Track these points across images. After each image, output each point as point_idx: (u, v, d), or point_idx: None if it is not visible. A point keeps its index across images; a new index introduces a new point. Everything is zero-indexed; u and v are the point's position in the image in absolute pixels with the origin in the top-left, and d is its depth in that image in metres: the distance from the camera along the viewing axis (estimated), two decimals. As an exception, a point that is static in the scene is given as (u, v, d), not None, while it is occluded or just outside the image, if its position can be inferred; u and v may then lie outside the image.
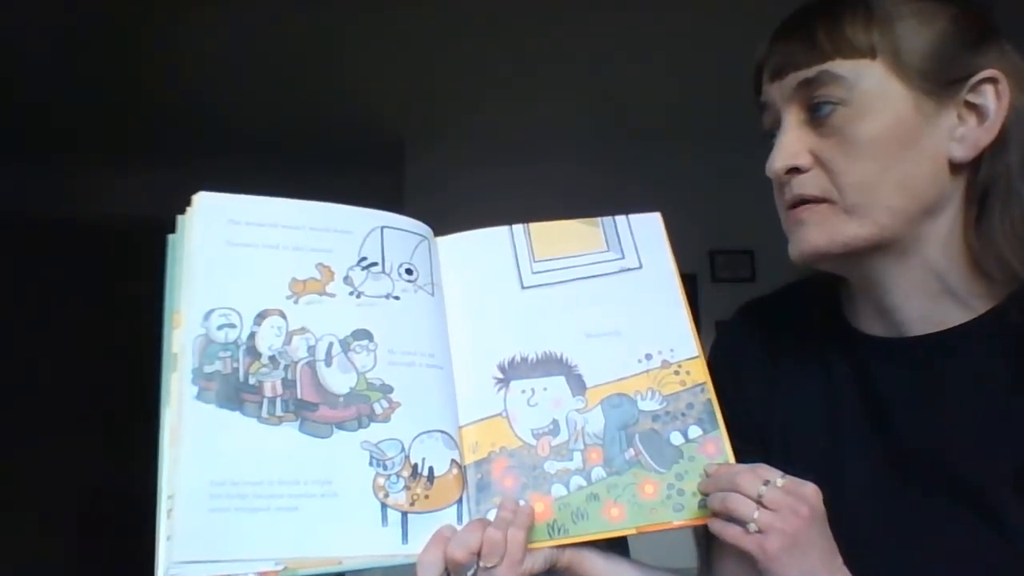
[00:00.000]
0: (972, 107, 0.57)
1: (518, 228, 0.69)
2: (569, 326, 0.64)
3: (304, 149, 2.66)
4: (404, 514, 0.53)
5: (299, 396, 0.55)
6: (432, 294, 0.63)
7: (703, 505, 0.58)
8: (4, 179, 2.58)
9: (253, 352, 0.55)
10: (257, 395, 0.54)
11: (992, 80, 0.56)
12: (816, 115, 0.57)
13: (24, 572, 2.56)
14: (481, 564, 0.52)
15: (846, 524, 0.54)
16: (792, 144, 0.58)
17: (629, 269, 0.68)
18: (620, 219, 0.70)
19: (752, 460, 0.57)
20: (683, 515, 0.58)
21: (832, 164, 0.56)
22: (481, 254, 0.66)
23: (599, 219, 0.70)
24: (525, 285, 0.66)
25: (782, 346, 0.69)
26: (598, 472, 0.59)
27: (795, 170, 0.58)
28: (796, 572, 0.51)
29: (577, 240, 0.69)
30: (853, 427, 0.62)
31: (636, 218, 0.70)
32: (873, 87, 0.56)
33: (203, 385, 0.53)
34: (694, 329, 0.65)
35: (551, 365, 0.63)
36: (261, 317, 0.56)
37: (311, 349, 0.57)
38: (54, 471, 2.59)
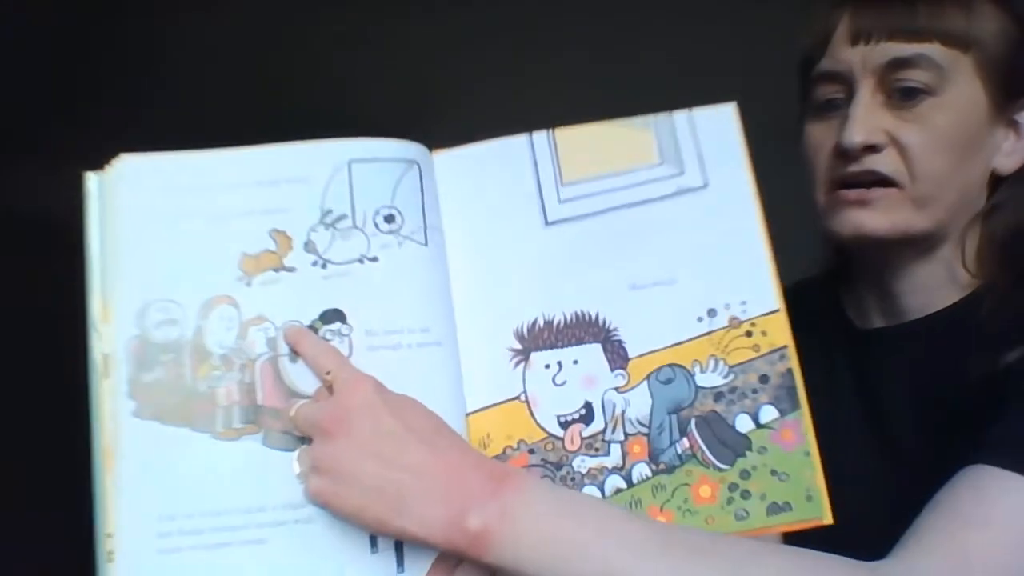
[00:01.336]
0: (1013, 124, 0.58)
1: (540, 137, 0.53)
2: (607, 274, 0.50)
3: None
4: None
5: (260, 402, 0.46)
6: (425, 242, 0.49)
7: (772, 510, 0.47)
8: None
9: (201, 352, 0.46)
10: (209, 404, 0.45)
11: None
12: (900, 98, 0.55)
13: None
14: None
15: (843, 522, 0.46)
16: (870, 120, 0.56)
17: (690, 189, 0.51)
18: (680, 117, 0.52)
19: None
20: (747, 523, 0.47)
21: (912, 150, 0.55)
22: (492, 177, 0.52)
23: (652, 117, 0.52)
24: (550, 220, 0.51)
25: None
26: (641, 470, 0.48)
27: (871, 148, 0.56)
28: (360, 494, 0.40)
29: (620, 150, 0.52)
30: (850, 424, 0.62)
31: (702, 115, 0.52)
32: (962, 83, 0.55)
33: (142, 399, 0.45)
34: (775, 273, 0.49)
35: (584, 329, 0.50)
36: (208, 308, 0.46)
37: (271, 342, 0.46)
38: None
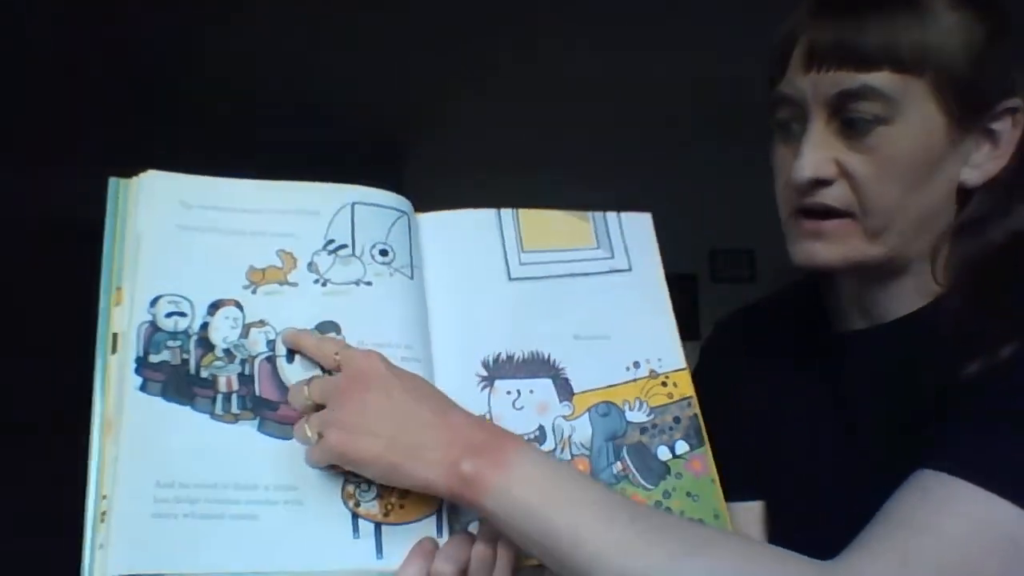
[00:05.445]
0: (989, 134, 0.58)
1: (506, 213, 0.67)
2: (557, 325, 0.64)
3: (303, 149, 2.73)
4: (378, 525, 0.51)
5: (257, 393, 0.53)
6: (411, 276, 0.60)
7: None
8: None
9: (206, 344, 0.53)
10: (210, 390, 0.52)
11: (1013, 109, 0.58)
12: (851, 129, 0.56)
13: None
14: None
15: (821, 522, 0.54)
16: (821, 151, 0.57)
17: (619, 271, 0.67)
18: (611, 216, 0.70)
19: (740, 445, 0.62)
20: None
21: (862, 182, 0.57)
22: (467, 237, 0.65)
23: (590, 213, 0.69)
24: (512, 276, 0.65)
25: (767, 350, 0.71)
26: None
27: (821, 182, 0.58)
28: (376, 441, 0.48)
29: (567, 233, 0.68)
30: (827, 428, 0.65)
31: (627, 217, 0.70)
32: (915, 109, 0.55)
33: (148, 375, 0.50)
34: (679, 341, 0.65)
35: (538, 366, 0.62)
36: (215, 307, 0.54)
37: (271, 343, 0.54)
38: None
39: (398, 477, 0.49)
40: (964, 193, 0.59)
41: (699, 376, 0.75)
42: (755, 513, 0.71)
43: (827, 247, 0.59)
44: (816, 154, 0.57)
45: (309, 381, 0.52)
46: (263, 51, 2.32)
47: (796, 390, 0.68)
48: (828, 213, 0.58)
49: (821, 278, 0.69)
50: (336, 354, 0.52)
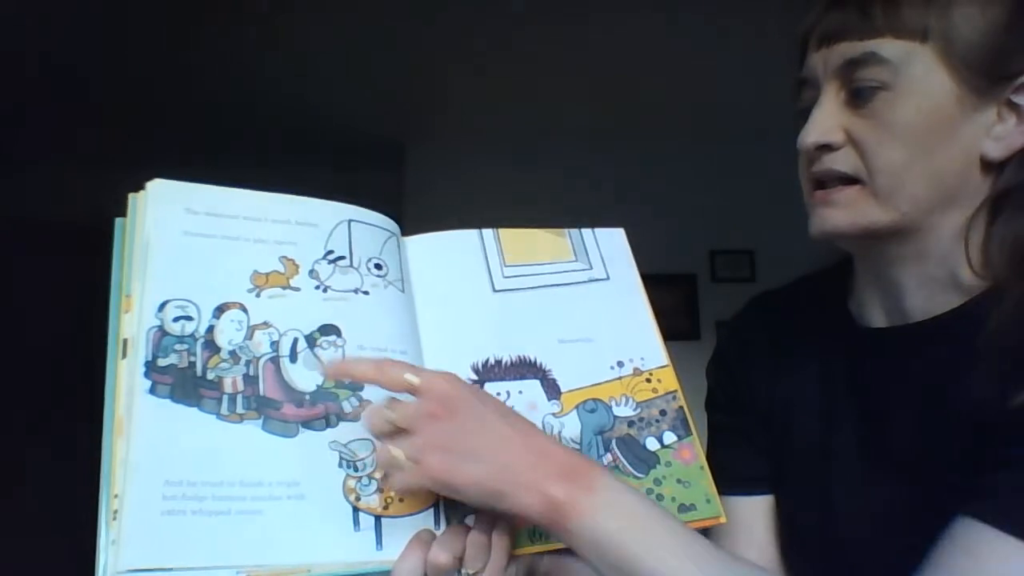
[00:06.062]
0: (1013, 106, 0.58)
1: (488, 232, 0.71)
2: (541, 331, 0.67)
3: (304, 149, 2.75)
4: (378, 518, 0.53)
5: (262, 393, 0.54)
6: (402, 290, 0.64)
7: (682, 510, 0.61)
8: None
9: (212, 346, 0.55)
10: (216, 391, 0.53)
11: None
12: (856, 98, 0.59)
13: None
14: (464, 571, 0.52)
15: (833, 518, 0.56)
16: (826, 120, 0.60)
17: (597, 280, 0.71)
18: (586, 232, 0.74)
19: (752, 436, 0.62)
20: None
21: (866, 146, 0.59)
22: (451, 255, 0.68)
23: (566, 230, 0.74)
24: (496, 288, 0.68)
25: (786, 339, 0.73)
26: None
27: (827, 147, 0.60)
28: (477, 467, 0.49)
29: (546, 248, 0.72)
30: (844, 423, 0.66)
31: (601, 232, 0.74)
32: (919, 74, 0.57)
33: (157, 379, 0.52)
34: (662, 340, 0.69)
35: (525, 368, 0.64)
36: (220, 310, 0.56)
37: (274, 344, 0.56)
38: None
39: (497, 501, 0.49)
40: (997, 170, 0.59)
41: (714, 367, 0.78)
42: (763, 507, 0.72)
43: (837, 212, 0.60)
44: (823, 120, 0.60)
45: (390, 405, 0.52)
46: (263, 51, 2.39)
47: (814, 385, 0.70)
48: (838, 182, 0.60)
49: (846, 264, 0.69)
50: (406, 376, 0.51)
